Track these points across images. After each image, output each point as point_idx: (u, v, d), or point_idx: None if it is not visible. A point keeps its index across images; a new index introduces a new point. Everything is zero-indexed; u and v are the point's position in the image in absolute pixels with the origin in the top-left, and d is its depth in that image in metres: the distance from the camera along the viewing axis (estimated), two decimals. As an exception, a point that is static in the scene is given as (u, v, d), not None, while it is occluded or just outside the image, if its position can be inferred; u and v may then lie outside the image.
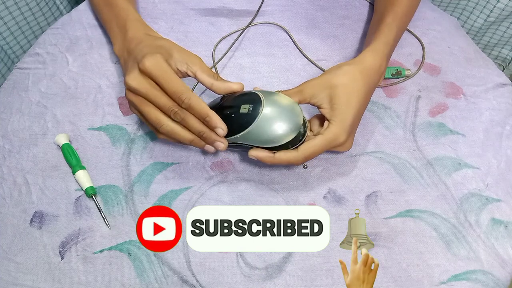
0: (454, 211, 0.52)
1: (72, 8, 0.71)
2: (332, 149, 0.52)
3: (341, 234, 0.50)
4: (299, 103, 0.52)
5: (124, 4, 0.59)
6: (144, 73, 0.47)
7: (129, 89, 0.48)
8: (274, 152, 0.49)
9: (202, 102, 0.47)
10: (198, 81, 0.49)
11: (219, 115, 0.48)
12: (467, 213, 0.52)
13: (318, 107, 0.51)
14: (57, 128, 0.58)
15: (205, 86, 0.49)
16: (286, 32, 0.68)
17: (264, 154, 0.49)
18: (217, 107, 0.50)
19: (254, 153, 0.49)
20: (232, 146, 0.51)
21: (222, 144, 0.49)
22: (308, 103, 0.52)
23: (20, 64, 0.64)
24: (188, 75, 0.49)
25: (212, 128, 0.48)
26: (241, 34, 0.62)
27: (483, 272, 0.49)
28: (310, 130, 0.53)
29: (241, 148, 0.52)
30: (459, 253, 0.50)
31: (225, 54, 0.63)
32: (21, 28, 0.72)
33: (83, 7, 0.70)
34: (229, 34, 0.67)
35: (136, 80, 0.47)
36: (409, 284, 0.48)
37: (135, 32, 0.55)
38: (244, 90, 0.51)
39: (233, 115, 0.49)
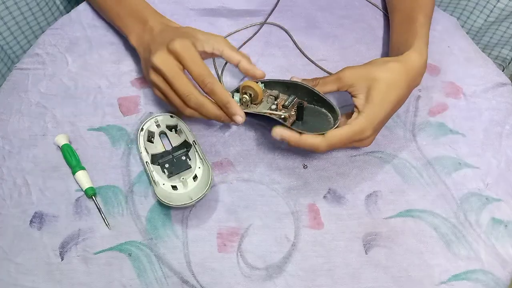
0: (454, 210, 0.52)
1: (72, 8, 0.71)
2: (354, 144, 0.51)
3: (341, 234, 0.50)
4: (337, 90, 0.52)
5: (137, 0, 0.61)
6: (173, 53, 0.48)
7: (154, 68, 0.49)
8: (301, 134, 0.48)
9: (224, 88, 0.48)
10: (225, 58, 0.51)
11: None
12: (467, 213, 0.52)
13: (353, 96, 0.51)
14: (57, 129, 0.58)
15: (231, 63, 0.51)
16: (286, 32, 0.68)
17: (289, 134, 0.48)
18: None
19: (279, 132, 0.49)
20: (253, 117, 0.53)
21: (240, 117, 0.49)
22: (346, 90, 0.52)
23: (20, 65, 0.64)
24: (215, 55, 0.52)
25: (230, 116, 0.49)
26: (257, 32, 0.62)
27: (483, 272, 0.48)
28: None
29: (264, 121, 0.53)
30: (459, 253, 0.50)
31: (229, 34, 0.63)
32: (21, 28, 0.72)
33: (83, 7, 0.70)
34: (229, 34, 0.67)
35: (161, 59, 0.49)
36: (409, 284, 0.48)
37: (155, 22, 0.56)
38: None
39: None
